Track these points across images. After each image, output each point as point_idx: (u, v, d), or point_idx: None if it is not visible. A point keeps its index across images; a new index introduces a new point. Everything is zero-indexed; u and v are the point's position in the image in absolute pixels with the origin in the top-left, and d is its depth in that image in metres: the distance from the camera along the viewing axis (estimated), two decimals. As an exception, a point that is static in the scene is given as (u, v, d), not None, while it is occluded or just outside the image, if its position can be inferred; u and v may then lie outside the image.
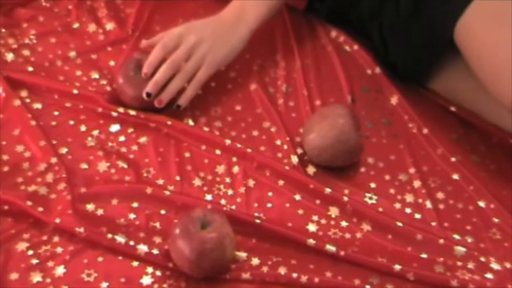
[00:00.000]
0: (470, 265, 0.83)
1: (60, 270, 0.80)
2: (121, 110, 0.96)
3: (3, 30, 1.06)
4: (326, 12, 1.11)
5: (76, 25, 1.08)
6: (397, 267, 0.81)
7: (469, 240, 0.87)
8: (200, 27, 0.98)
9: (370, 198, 0.90)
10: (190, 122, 0.97)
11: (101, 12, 1.10)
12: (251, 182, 0.90)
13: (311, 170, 0.92)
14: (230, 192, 0.90)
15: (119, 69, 0.98)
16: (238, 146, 0.94)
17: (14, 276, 0.79)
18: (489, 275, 0.83)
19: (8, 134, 0.93)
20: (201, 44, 0.96)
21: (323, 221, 0.87)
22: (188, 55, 0.95)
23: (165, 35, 0.98)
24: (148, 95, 0.93)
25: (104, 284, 0.79)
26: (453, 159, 0.95)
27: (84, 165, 0.91)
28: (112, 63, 1.03)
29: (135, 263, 0.81)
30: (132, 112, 0.96)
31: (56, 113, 0.96)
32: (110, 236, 0.82)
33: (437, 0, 0.98)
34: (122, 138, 0.95)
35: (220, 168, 0.92)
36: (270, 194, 0.89)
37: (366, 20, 1.08)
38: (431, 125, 0.98)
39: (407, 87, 1.03)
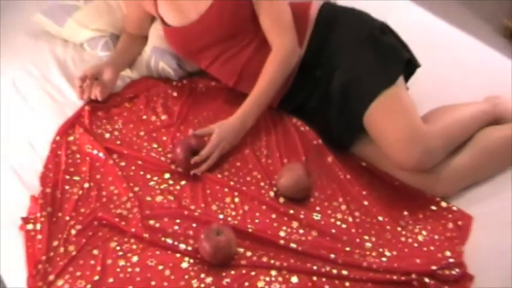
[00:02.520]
0: (374, 253, 0.88)
1: (135, 259, 0.85)
2: (173, 166, 0.99)
3: (104, 120, 1.09)
4: (290, 109, 1.12)
5: (144, 117, 1.10)
6: (332, 256, 0.86)
7: (373, 239, 0.91)
8: (226, 137, 1.00)
9: (317, 216, 0.94)
10: (211, 172, 0.99)
11: (159, 109, 1.12)
12: (246, 207, 0.94)
13: (281, 200, 0.96)
14: (233, 213, 0.93)
15: (179, 145, 0.99)
16: (238, 186, 0.97)
17: (109, 261, 0.85)
18: (384, 259, 0.88)
19: (105, 180, 0.98)
20: (225, 149, 1.00)
21: (288, 230, 0.91)
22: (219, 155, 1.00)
23: (212, 139, 0.99)
24: (195, 174, 0.97)
25: (160, 267, 0.84)
26: (364, 192, 0.98)
27: (148, 198, 0.94)
28: (165, 138, 1.05)
29: (178, 255, 0.86)
30: (179, 169, 0.99)
31: (133, 167, 1.00)
32: (163, 239, 0.87)
33: (353, 103, 1.01)
34: (170, 182, 0.98)
35: (228, 199, 0.95)
36: (257, 214, 0.93)
37: (313, 114, 1.09)
38: (352, 173, 1.01)
39: (337, 151, 1.04)
